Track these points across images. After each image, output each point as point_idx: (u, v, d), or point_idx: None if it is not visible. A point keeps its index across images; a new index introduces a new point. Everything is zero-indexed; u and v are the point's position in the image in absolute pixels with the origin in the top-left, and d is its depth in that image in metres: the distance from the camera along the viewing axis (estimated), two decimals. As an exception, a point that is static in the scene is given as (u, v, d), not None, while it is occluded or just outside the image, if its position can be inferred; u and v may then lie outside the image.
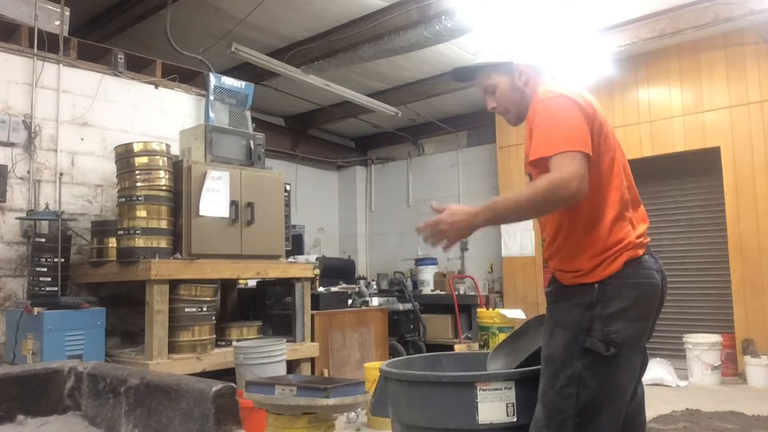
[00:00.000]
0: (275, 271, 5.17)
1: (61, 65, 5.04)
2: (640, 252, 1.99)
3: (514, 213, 1.94)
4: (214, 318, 4.79)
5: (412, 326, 7.37)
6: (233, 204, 4.84)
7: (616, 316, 1.90)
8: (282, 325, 5.39)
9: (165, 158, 4.67)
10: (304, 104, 8.80)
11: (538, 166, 1.95)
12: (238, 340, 4.78)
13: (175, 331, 4.47)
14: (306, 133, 9.81)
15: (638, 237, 2.01)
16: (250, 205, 4.95)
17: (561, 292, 2.03)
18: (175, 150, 5.12)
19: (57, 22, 5.06)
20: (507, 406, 2.04)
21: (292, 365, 5.09)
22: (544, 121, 1.98)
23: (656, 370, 6.13)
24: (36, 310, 4.07)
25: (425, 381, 2.15)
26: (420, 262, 9.06)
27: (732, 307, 6.40)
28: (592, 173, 1.93)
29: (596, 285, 1.93)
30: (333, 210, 10.75)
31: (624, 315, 1.91)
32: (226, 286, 5.67)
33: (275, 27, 6.40)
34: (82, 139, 5.14)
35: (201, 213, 4.64)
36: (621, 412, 1.95)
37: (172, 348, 4.42)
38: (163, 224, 4.57)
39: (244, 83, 5.62)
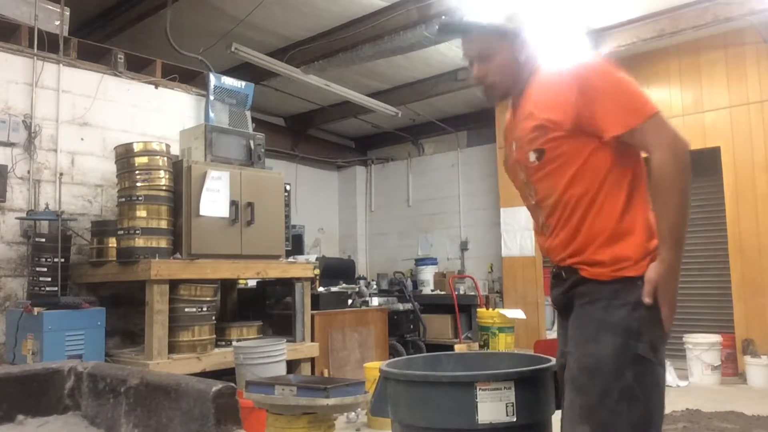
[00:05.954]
0: (275, 271, 5.17)
1: (61, 65, 5.04)
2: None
3: (682, 222, 1.65)
4: (214, 318, 4.80)
5: (412, 326, 7.36)
6: (233, 204, 4.84)
7: (657, 316, 1.68)
8: (282, 325, 5.39)
9: (165, 158, 4.68)
10: (304, 104, 8.81)
11: (629, 139, 1.69)
12: (238, 340, 4.79)
13: (175, 331, 4.47)
14: (306, 133, 9.81)
15: None
16: (250, 205, 4.95)
17: (596, 289, 1.71)
18: (175, 150, 5.12)
19: (57, 22, 5.07)
20: (507, 406, 2.04)
21: (292, 365, 5.09)
22: (610, 88, 1.69)
23: (656, 370, 6.12)
24: (36, 310, 4.07)
25: (425, 381, 2.15)
26: (420, 262, 9.05)
27: (732, 307, 6.40)
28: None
29: (639, 281, 1.66)
30: (333, 210, 10.75)
31: (659, 314, 1.69)
32: (226, 286, 5.67)
33: (275, 27, 6.40)
34: (82, 139, 5.15)
35: (201, 213, 4.64)
36: (662, 423, 1.72)
37: (172, 348, 4.43)
38: (163, 224, 4.57)
39: (244, 83, 5.62)
